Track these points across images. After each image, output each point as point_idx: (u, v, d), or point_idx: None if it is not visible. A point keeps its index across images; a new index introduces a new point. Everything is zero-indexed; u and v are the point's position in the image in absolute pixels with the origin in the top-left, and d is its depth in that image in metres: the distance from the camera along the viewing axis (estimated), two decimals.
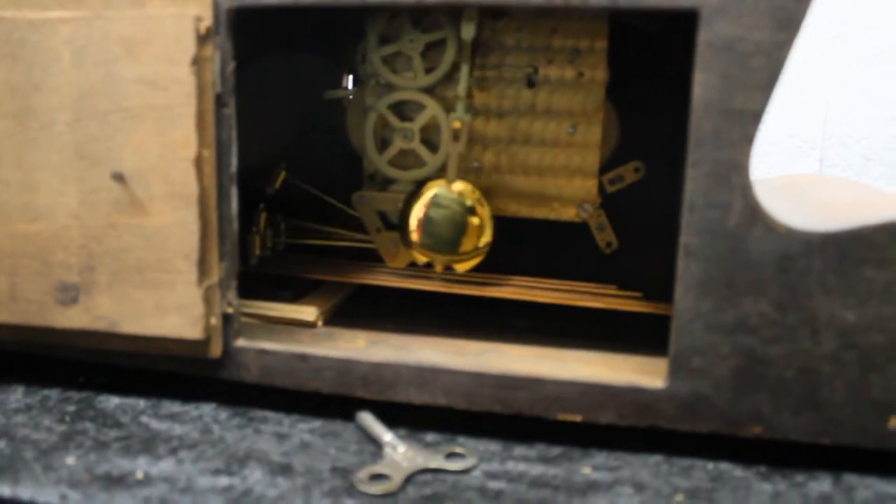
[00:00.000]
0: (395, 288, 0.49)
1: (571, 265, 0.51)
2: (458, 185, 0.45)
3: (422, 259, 0.46)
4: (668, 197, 0.51)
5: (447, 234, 0.45)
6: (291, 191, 0.52)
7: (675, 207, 0.50)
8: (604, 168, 0.48)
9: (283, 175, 0.49)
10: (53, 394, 0.43)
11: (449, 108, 0.46)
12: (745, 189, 0.35)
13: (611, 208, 0.49)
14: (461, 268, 0.46)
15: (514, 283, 0.48)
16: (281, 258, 0.53)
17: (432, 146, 0.47)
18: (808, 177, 0.53)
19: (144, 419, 0.41)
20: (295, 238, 0.53)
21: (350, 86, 0.55)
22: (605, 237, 0.50)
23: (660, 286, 0.49)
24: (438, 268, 0.46)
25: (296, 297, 0.48)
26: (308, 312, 0.46)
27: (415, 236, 0.45)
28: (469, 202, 0.45)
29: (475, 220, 0.45)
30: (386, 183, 0.48)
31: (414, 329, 0.46)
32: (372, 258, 0.52)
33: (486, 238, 0.45)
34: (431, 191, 0.45)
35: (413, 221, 0.45)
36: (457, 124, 0.44)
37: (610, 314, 0.48)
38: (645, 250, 0.51)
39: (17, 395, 0.43)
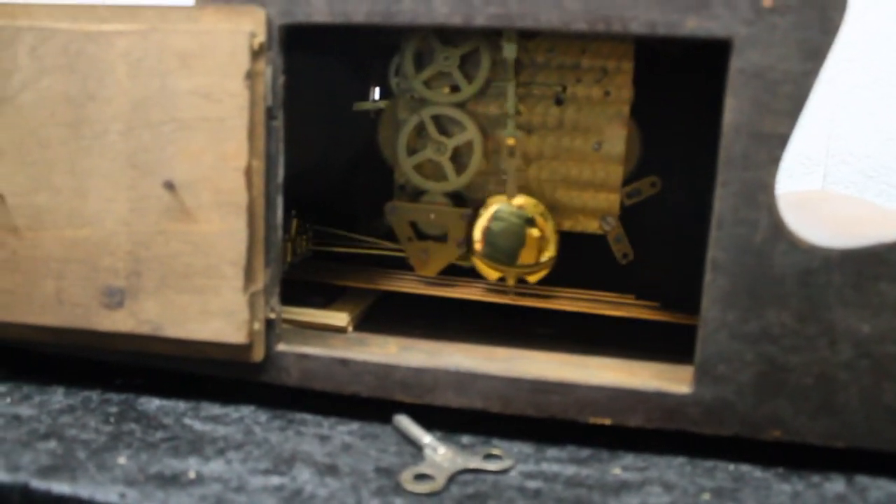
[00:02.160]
0: (418, 295, 0.51)
1: (585, 275, 0.53)
2: (520, 200, 0.48)
3: (493, 275, 0.49)
4: (681, 210, 0.53)
5: (506, 245, 0.47)
6: (319, 198, 0.54)
7: (687, 220, 0.53)
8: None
9: (295, 223, 0.51)
10: (94, 395, 0.44)
11: (481, 123, 0.48)
12: (771, 207, 0.37)
13: (623, 220, 0.52)
14: (532, 279, 0.49)
15: (538, 291, 0.50)
16: (309, 264, 0.54)
17: (458, 162, 0.49)
18: (815, 193, 0.55)
19: (187, 421, 0.42)
20: (323, 245, 0.54)
21: (377, 97, 0.56)
22: (622, 248, 0.52)
23: (671, 295, 0.51)
24: (511, 281, 0.49)
25: (326, 303, 0.50)
26: (340, 318, 0.48)
27: (478, 247, 0.48)
28: (529, 215, 0.47)
29: (535, 232, 0.47)
30: (416, 194, 0.50)
31: (441, 335, 0.48)
32: (394, 265, 0.54)
33: (550, 252, 0.48)
34: (494, 206, 0.48)
35: (477, 233, 0.48)
36: (511, 141, 0.46)
37: (621, 322, 0.50)
38: (656, 261, 0.54)
39: (58, 397, 0.44)
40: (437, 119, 0.49)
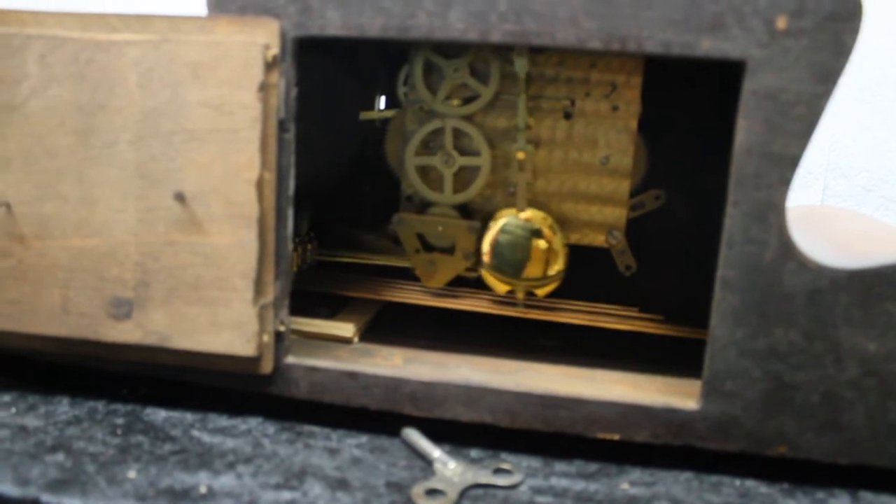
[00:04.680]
0: (421, 306, 0.51)
1: (588, 286, 0.53)
2: (528, 213, 0.48)
3: (502, 289, 0.49)
4: (684, 222, 0.54)
5: (512, 257, 0.48)
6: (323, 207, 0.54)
7: (690, 233, 0.53)
8: None
9: (308, 218, 0.51)
10: (99, 406, 0.44)
11: (489, 136, 0.48)
12: (781, 227, 0.38)
13: (627, 232, 0.52)
14: (541, 293, 0.49)
15: (541, 304, 0.50)
16: (312, 274, 0.54)
17: (464, 174, 0.49)
18: (816, 209, 0.56)
19: (195, 433, 0.42)
20: (327, 255, 0.54)
21: (382, 107, 0.56)
22: (625, 260, 0.52)
23: (674, 307, 0.52)
24: (520, 294, 0.49)
25: (332, 314, 0.50)
26: (346, 329, 0.48)
27: (486, 258, 0.48)
28: (536, 227, 0.47)
29: (541, 244, 0.47)
30: (424, 205, 0.50)
31: (445, 346, 0.48)
32: (398, 275, 0.54)
33: (559, 265, 0.48)
34: (503, 219, 0.48)
35: (486, 246, 0.48)
36: (521, 155, 0.46)
37: (624, 333, 0.51)
38: (660, 273, 0.54)
39: (63, 407, 0.43)
40: (438, 133, 0.49)
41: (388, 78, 0.53)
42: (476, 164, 0.48)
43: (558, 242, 0.47)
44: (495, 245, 0.48)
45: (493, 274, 0.48)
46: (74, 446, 0.39)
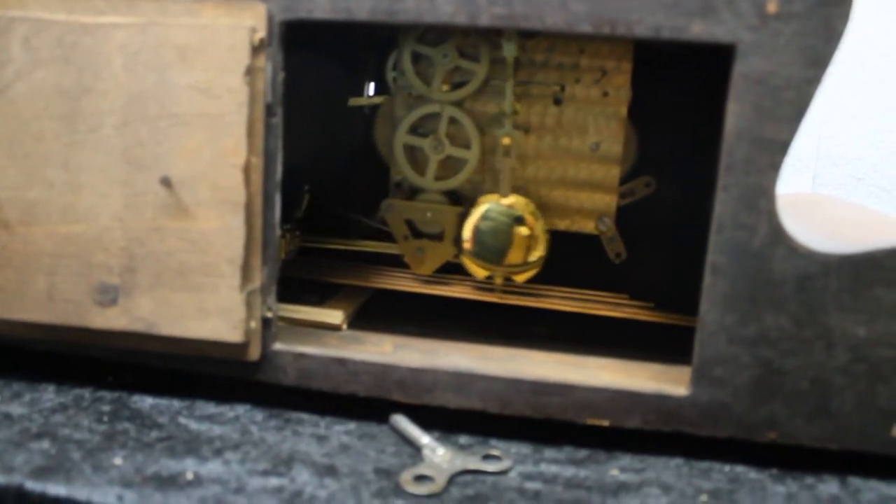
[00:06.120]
0: (410, 292, 0.51)
1: (577, 274, 0.53)
2: (510, 199, 0.47)
3: (481, 273, 0.48)
4: (674, 209, 0.54)
5: (494, 244, 0.47)
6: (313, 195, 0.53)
7: (680, 220, 0.53)
8: None
9: (307, 198, 0.51)
10: (86, 393, 0.43)
11: (478, 121, 0.48)
12: (771, 213, 0.38)
13: (617, 219, 0.52)
14: (520, 279, 0.49)
15: (533, 290, 0.50)
16: (301, 261, 0.54)
17: (451, 161, 0.49)
18: (806, 196, 0.56)
19: (182, 420, 0.41)
20: (316, 242, 0.54)
21: (371, 94, 0.56)
22: (615, 247, 0.52)
23: (663, 294, 0.51)
24: (498, 280, 0.49)
25: (320, 301, 0.49)
26: (334, 316, 0.48)
27: (468, 245, 0.48)
28: (519, 213, 0.47)
29: (523, 231, 0.46)
30: (413, 192, 0.50)
31: (435, 333, 0.48)
32: (387, 262, 0.54)
33: (539, 251, 0.47)
34: (484, 205, 0.47)
35: (467, 232, 0.48)
36: (506, 140, 0.46)
37: (614, 320, 0.50)
38: (649, 260, 0.54)
39: (49, 395, 0.43)
40: (434, 117, 0.48)
41: (377, 64, 0.53)
42: (465, 156, 0.48)
43: (540, 229, 0.47)
44: (477, 232, 0.47)
45: (474, 260, 0.48)
46: (60, 433, 0.39)
